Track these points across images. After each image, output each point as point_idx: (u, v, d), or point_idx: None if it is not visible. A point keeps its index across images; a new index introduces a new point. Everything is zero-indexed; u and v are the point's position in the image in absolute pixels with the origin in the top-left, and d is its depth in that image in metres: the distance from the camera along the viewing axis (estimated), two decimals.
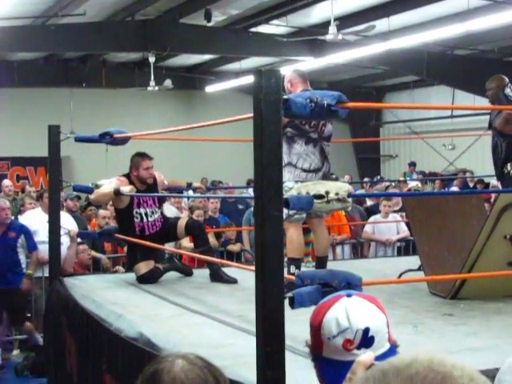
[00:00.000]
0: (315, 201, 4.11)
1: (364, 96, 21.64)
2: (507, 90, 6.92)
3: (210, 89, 21.94)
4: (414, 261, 6.75)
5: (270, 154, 3.46)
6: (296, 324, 3.43)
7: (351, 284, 3.62)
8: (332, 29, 13.30)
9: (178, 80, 20.50)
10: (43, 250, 8.48)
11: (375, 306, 1.95)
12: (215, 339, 4.59)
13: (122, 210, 7.23)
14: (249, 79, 17.67)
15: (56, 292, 7.09)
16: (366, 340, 1.89)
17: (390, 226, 10.49)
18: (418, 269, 6.41)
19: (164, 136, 11.20)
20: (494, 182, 12.38)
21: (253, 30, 16.66)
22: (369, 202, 13.20)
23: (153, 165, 7.31)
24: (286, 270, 4.44)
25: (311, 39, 16.05)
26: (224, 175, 18.79)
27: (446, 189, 16.09)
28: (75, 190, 8.05)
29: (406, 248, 10.40)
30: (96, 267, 9.24)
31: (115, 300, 6.11)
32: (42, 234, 8.77)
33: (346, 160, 22.65)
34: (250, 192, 13.60)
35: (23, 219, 9.50)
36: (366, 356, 1.43)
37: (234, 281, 6.76)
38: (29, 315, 9.12)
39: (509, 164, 6.93)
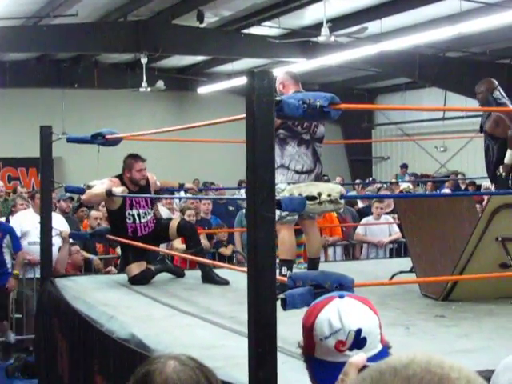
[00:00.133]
0: (307, 202, 4.12)
1: (356, 98, 21.69)
2: (496, 93, 6.95)
3: (202, 90, 21.94)
4: (405, 263, 6.76)
5: (262, 155, 3.46)
6: (288, 325, 3.43)
7: (343, 285, 3.62)
8: (324, 30, 13.31)
9: (170, 81, 20.48)
10: (35, 250, 8.46)
11: (367, 307, 1.95)
12: (207, 340, 4.59)
13: (114, 211, 7.22)
14: (241, 81, 17.67)
15: (47, 293, 7.08)
16: (359, 341, 1.89)
17: (382, 227, 10.50)
18: (410, 271, 6.42)
19: (156, 137, 11.20)
20: (485, 183, 12.42)
21: (245, 31, 16.66)
22: (360, 204, 13.21)
23: (146, 166, 7.30)
24: (277, 271, 4.44)
25: (303, 41, 16.07)
26: (216, 176, 18.79)
27: (438, 191, 16.12)
28: (67, 190, 8.03)
29: (397, 250, 10.42)
30: (88, 268, 9.22)
31: (107, 301, 6.10)
32: (33, 235, 8.75)
33: (338, 162, 22.67)
34: (242, 193, 13.61)
35: (15, 220, 9.47)
36: (358, 357, 1.43)
37: (225, 282, 6.76)
38: (20, 316, 9.10)
39: (501, 167, 6.95)
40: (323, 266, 6.46)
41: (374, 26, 14.64)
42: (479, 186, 15.22)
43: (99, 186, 7.14)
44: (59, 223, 8.53)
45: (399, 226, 9.06)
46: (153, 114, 21.87)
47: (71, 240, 8.85)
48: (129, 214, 7.15)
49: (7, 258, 8.91)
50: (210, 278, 6.88)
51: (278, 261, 5.51)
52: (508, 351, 2.18)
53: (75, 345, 6.00)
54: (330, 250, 10.46)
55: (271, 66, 18.56)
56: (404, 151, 23.58)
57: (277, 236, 5.56)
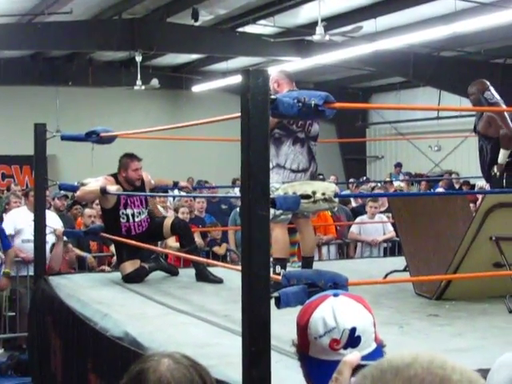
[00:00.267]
0: (302, 201, 4.12)
1: (350, 97, 21.68)
2: (487, 93, 6.96)
3: (197, 88, 21.92)
4: (399, 261, 6.77)
5: (257, 153, 3.46)
6: (282, 324, 3.43)
7: (337, 284, 3.62)
8: (319, 29, 13.31)
9: (164, 79, 20.47)
10: (28, 248, 8.44)
11: (362, 305, 1.95)
12: (201, 339, 4.59)
13: (108, 209, 7.21)
14: (235, 79, 17.66)
15: (41, 291, 7.07)
16: (353, 340, 1.89)
17: (376, 226, 10.52)
18: (404, 269, 6.43)
19: (150, 135, 11.19)
20: (479, 183, 12.43)
21: (240, 29, 16.64)
22: (354, 203, 13.22)
23: (141, 166, 7.29)
24: (271, 270, 4.44)
25: (298, 40, 16.06)
26: (210, 175, 18.77)
27: (432, 190, 16.13)
28: (61, 188, 8.02)
29: (391, 249, 10.43)
30: (81, 266, 9.21)
31: (101, 299, 6.10)
32: (27, 233, 8.74)
33: (332, 161, 22.67)
34: (236, 191, 13.60)
35: (8, 218, 9.46)
36: (352, 356, 1.43)
37: (219, 280, 6.76)
38: (13, 314, 9.08)
39: (495, 166, 6.97)
40: (317, 265, 6.46)
41: (368, 25, 14.64)
42: (473, 186, 15.24)
43: (94, 184, 7.14)
44: (53, 221, 8.52)
45: (393, 224, 9.07)
46: (147, 112, 21.85)
47: (65, 238, 8.83)
48: (122, 213, 7.14)
49: None
50: (203, 276, 6.88)
51: (271, 259, 5.51)
52: (502, 350, 2.19)
53: (69, 343, 6.00)
54: (324, 249, 10.46)
55: (266, 65, 18.56)
56: (398, 150, 23.60)
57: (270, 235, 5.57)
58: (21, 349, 8.91)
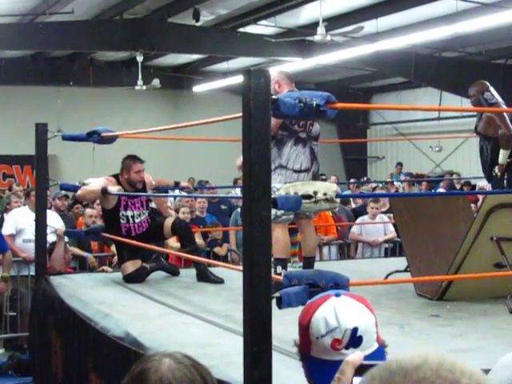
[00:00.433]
0: (303, 201, 4.11)
1: (351, 97, 21.68)
2: (487, 94, 6.97)
3: (198, 88, 21.93)
4: (400, 262, 6.76)
5: (258, 153, 3.45)
6: (283, 324, 3.43)
7: (338, 284, 3.62)
8: (320, 30, 13.32)
9: (165, 79, 20.47)
10: (29, 248, 8.44)
11: (364, 305, 1.95)
12: (202, 339, 4.59)
13: (108, 210, 7.21)
14: (236, 79, 17.66)
15: (42, 291, 7.07)
16: (355, 340, 1.89)
17: (377, 227, 10.51)
18: (405, 270, 6.43)
19: (151, 135, 11.18)
20: (480, 183, 12.43)
21: (241, 30, 16.64)
22: (353, 204, 13.22)
23: (144, 168, 7.28)
24: (272, 270, 4.43)
25: (299, 40, 16.06)
26: (211, 175, 18.77)
27: (433, 191, 16.12)
28: (62, 188, 8.02)
29: (393, 249, 10.43)
30: (82, 266, 9.22)
31: (102, 299, 6.10)
32: (28, 233, 8.74)
33: (333, 161, 22.67)
34: (237, 192, 13.60)
35: (10, 217, 9.47)
36: (354, 356, 1.42)
37: (220, 281, 6.76)
38: (14, 314, 9.08)
39: (496, 167, 6.97)
40: (318, 265, 6.46)
41: (370, 26, 14.64)
42: (474, 186, 15.23)
43: (95, 184, 7.13)
44: (54, 221, 8.52)
45: (394, 225, 9.06)
46: (148, 112, 21.85)
47: (66, 238, 8.83)
48: (122, 214, 7.14)
49: None
50: (204, 276, 6.88)
51: (272, 260, 5.51)
52: (503, 351, 2.18)
53: (70, 343, 5.99)
54: (325, 249, 10.46)
55: (267, 65, 18.56)
56: (399, 151, 23.59)
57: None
58: (22, 349, 8.91)
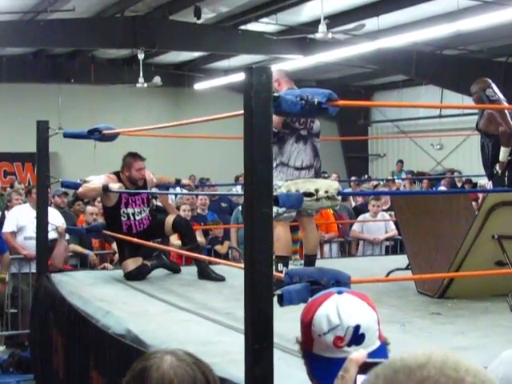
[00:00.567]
0: (305, 198, 4.11)
1: (353, 95, 21.65)
2: (489, 91, 6.97)
3: (199, 86, 21.91)
4: (401, 260, 6.76)
5: (260, 150, 3.45)
6: (284, 321, 3.43)
7: (340, 282, 3.62)
8: (322, 27, 13.30)
9: (166, 77, 20.46)
10: (31, 245, 8.45)
11: (366, 303, 1.95)
12: (203, 336, 4.59)
13: (109, 207, 7.22)
14: (238, 77, 17.64)
15: (43, 288, 7.07)
16: (357, 337, 1.88)
17: (378, 224, 10.51)
18: (406, 268, 6.43)
19: (153, 133, 11.17)
20: (481, 181, 12.42)
21: (242, 27, 16.63)
22: (353, 203, 13.20)
23: (145, 165, 7.29)
24: (273, 267, 4.43)
25: (301, 37, 16.04)
26: (212, 172, 18.77)
27: (434, 188, 16.12)
28: (63, 186, 8.02)
29: (394, 247, 10.42)
30: (83, 263, 9.22)
31: (103, 296, 6.10)
32: (29, 230, 8.74)
33: (334, 159, 22.65)
34: (238, 189, 13.61)
35: (11, 215, 9.48)
36: (358, 353, 1.42)
37: (221, 278, 6.76)
38: (15, 311, 9.09)
39: (497, 164, 6.97)
40: (319, 263, 6.45)
41: (371, 23, 14.62)
42: (475, 184, 15.23)
43: (96, 181, 7.14)
44: (56, 218, 8.52)
45: (395, 223, 9.06)
46: (149, 110, 21.85)
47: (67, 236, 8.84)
48: (123, 211, 7.14)
49: None
50: (205, 274, 6.88)
51: (273, 257, 5.51)
52: (504, 349, 2.18)
53: (71, 340, 6.00)
54: (326, 247, 10.46)
55: (268, 63, 18.55)
56: (400, 149, 23.59)
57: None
58: (23, 346, 8.91)
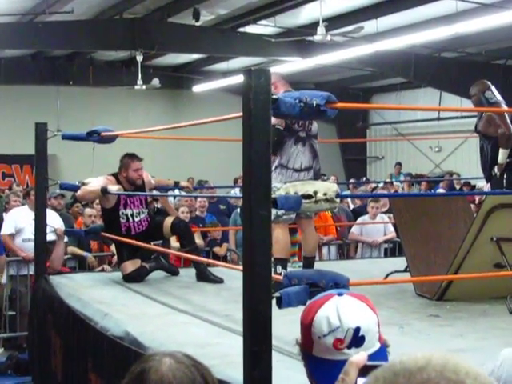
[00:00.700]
0: (303, 201, 4.11)
1: (351, 97, 21.65)
2: (488, 93, 6.98)
3: (198, 88, 21.91)
4: (400, 262, 6.76)
5: (258, 153, 3.45)
6: (283, 324, 3.43)
7: (339, 284, 3.62)
8: (320, 30, 13.30)
9: (165, 79, 20.45)
10: (29, 247, 8.45)
11: (366, 305, 1.95)
12: (202, 338, 4.59)
13: (108, 209, 7.22)
14: (236, 79, 17.65)
15: (41, 290, 7.06)
16: (357, 339, 1.88)
17: (377, 226, 10.51)
18: (405, 270, 6.43)
19: (151, 135, 11.17)
20: (480, 184, 12.43)
21: (241, 29, 16.63)
22: (351, 205, 13.21)
23: (142, 166, 7.29)
24: (272, 270, 4.43)
25: (299, 40, 16.04)
26: (211, 175, 18.76)
27: (433, 191, 16.12)
28: (62, 188, 8.02)
29: (392, 249, 10.42)
30: (82, 265, 9.21)
31: (101, 298, 6.09)
32: (28, 232, 8.74)
33: (333, 161, 22.65)
34: (237, 192, 13.60)
35: (9, 217, 9.47)
36: (358, 356, 1.42)
37: (220, 280, 6.76)
38: (13, 313, 9.08)
39: (496, 167, 6.97)
40: (318, 265, 6.46)
41: (369, 26, 14.63)
42: (474, 187, 15.23)
43: (95, 183, 7.14)
44: (54, 220, 8.52)
45: (394, 225, 9.06)
46: (148, 112, 21.83)
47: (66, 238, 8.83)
48: (122, 213, 7.15)
49: None
50: (204, 276, 6.88)
51: (272, 259, 5.51)
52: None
53: (69, 342, 5.99)
54: (325, 249, 10.46)
55: (267, 65, 18.54)
56: (399, 151, 23.59)
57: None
58: (21, 348, 8.91)
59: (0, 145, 19.89)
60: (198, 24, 15.20)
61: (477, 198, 11.32)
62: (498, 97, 7.01)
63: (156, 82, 19.05)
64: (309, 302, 2.05)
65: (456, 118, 19.58)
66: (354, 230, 10.65)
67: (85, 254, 9.36)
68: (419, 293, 5.98)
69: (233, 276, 6.00)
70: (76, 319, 5.79)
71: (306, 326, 1.93)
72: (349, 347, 1.88)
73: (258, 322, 3.40)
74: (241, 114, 3.56)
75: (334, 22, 14.49)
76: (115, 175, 7.26)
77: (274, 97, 3.63)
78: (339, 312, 1.89)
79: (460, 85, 15.20)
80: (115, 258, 8.52)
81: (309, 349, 1.93)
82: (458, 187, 16.58)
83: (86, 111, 20.45)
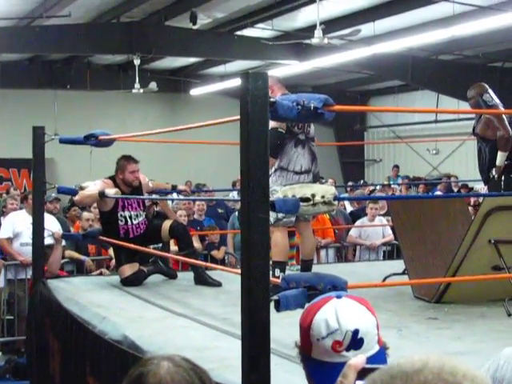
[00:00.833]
0: (301, 203, 4.11)
1: (349, 100, 21.68)
2: (486, 96, 6.98)
3: (195, 92, 21.92)
4: (398, 265, 6.76)
5: (256, 156, 3.45)
6: (281, 327, 3.43)
7: (337, 287, 3.62)
8: (317, 33, 13.30)
9: (162, 83, 20.46)
10: (27, 251, 8.43)
11: (365, 307, 1.95)
12: (200, 342, 4.58)
13: (106, 212, 7.21)
14: (234, 82, 17.65)
15: (39, 294, 7.05)
16: (355, 342, 1.88)
17: (376, 229, 10.51)
18: (403, 273, 6.43)
19: (149, 138, 11.16)
20: (477, 186, 12.44)
21: (238, 33, 16.65)
22: (348, 208, 13.22)
23: (138, 168, 7.29)
24: (270, 273, 4.42)
25: (297, 43, 16.06)
26: (208, 178, 18.77)
27: (430, 193, 16.13)
28: (60, 192, 8.00)
29: (390, 252, 10.43)
30: (80, 269, 9.20)
31: (99, 302, 6.08)
32: (25, 236, 8.73)
33: (330, 164, 22.65)
34: (235, 195, 13.60)
35: (7, 221, 9.46)
36: (357, 359, 1.42)
37: (218, 284, 6.75)
38: (11, 317, 9.07)
39: (494, 169, 6.98)
40: (316, 268, 6.46)
41: (367, 29, 14.64)
42: (471, 189, 15.25)
43: (92, 187, 7.13)
44: (52, 224, 8.51)
45: (392, 228, 9.06)
46: (145, 116, 21.84)
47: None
48: (121, 215, 7.14)
49: None
50: (202, 279, 6.87)
51: (270, 262, 5.51)
52: None
53: (67, 346, 5.98)
54: (323, 252, 10.46)
55: (264, 68, 18.55)
56: (396, 154, 23.60)
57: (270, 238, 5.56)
58: (19, 352, 8.90)
59: None
60: (195, 27, 15.20)
61: (472, 200, 11.34)
62: (496, 99, 7.02)
63: (153, 85, 19.06)
64: (307, 304, 2.05)
65: (453, 121, 19.59)
66: (353, 232, 10.65)
67: (83, 257, 9.34)
68: (417, 295, 5.98)
69: (231, 279, 5.99)
70: (74, 323, 5.79)
71: (305, 329, 1.93)
72: (347, 350, 1.88)
73: (257, 325, 3.40)
74: (238, 117, 3.56)
75: (331, 25, 14.50)
76: (112, 178, 7.26)
77: (272, 100, 3.63)
78: (338, 314, 1.89)
79: (457, 87, 15.21)
80: (113, 261, 8.51)
81: (307, 351, 1.93)
82: (455, 190, 16.59)
83: (84, 115, 20.46)
